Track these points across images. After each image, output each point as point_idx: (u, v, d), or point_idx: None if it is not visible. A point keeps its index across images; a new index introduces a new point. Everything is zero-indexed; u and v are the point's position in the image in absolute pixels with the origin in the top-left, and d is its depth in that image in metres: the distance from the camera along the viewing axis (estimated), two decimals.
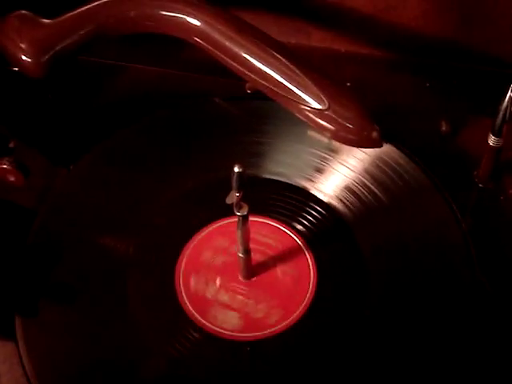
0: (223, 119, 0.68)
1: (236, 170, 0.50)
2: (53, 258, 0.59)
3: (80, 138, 0.67)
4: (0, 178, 0.56)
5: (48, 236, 0.61)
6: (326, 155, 0.64)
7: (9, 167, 0.55)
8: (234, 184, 0.51)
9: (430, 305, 0.56)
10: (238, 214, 0.53)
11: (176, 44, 0.67)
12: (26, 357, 0.54)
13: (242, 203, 0.53)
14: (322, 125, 0.61)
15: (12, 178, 0.56)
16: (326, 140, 0.64)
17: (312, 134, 0.65)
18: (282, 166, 0.64)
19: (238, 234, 0.55)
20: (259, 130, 0.66)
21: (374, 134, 0.61)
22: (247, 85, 0.69)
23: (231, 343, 0.55)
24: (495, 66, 0.71)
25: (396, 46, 0.73)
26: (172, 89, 0.71)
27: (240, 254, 0.57)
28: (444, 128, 0.66)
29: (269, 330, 0.55)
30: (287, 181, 0.63)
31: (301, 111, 0.62)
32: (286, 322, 0.56)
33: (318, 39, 0.74)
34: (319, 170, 0.64)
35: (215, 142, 0.66)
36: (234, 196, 0.52)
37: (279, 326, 0.56)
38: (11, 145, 0.59)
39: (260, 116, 0.67)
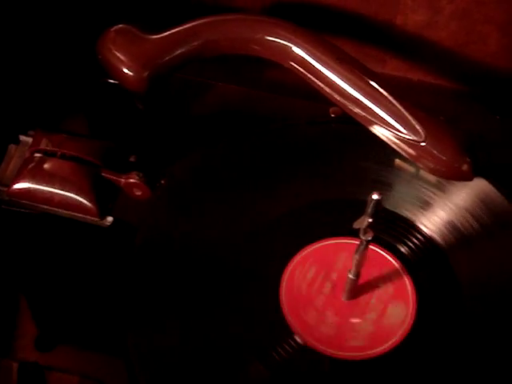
0: (315, 143, 0.69)
1: (375, 197, 0.52)
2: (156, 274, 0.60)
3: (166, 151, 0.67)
4: (126, 192, 0.57)
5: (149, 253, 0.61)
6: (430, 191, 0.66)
7: (138, 182, 0.56)
8: (370, 210, 0.53)
9: None
10: (363, 238, 0.55)
11: (259, 64, 0.69)
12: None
13: (369, 229, 0.55)
14: (414, 155, 0.63)
15: (138, 193, 0.57)
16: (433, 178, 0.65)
17: (400, 162, 0.67)
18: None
19: (356, 257, 0.57)
20: (357, 155, 0.68)
21: (465, 167, 0.62)
22: (331, 109, 0.70)
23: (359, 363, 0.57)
24: None
25: (471, 79, 0.75)
26: (255, 109, 0.72)
27: (351, 276, 0.58)
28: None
29: (381, 348, 0.58)
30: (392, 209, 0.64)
31: (393, 140, 0.64)
32: (397, 338, 0.58)
33: (392, 67, 0.76)
34: (425, 203, 0.65)
35: (299, 167, 0.68)
36: (365, 221, 0.54)
37: (391, 342, 0.58)
38: (132, 159, 0.59)
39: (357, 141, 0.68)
